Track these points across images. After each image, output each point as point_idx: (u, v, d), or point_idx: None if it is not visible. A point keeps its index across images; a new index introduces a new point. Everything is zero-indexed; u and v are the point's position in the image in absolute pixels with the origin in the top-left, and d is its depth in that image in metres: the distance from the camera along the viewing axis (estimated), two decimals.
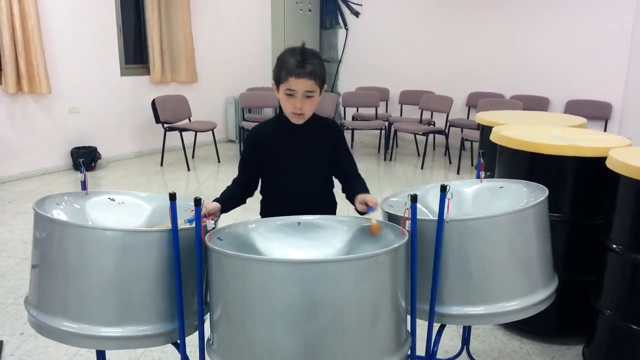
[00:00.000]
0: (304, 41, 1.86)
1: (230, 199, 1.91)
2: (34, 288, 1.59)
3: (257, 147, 1.94)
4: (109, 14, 6.18)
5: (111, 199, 1.93)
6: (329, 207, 2.05)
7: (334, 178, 2.05)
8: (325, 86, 1.92)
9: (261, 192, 2.03)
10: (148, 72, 6.68)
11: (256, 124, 2.10)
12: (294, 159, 1.91)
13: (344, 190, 1.97)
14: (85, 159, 5.74)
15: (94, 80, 6.12)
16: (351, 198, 1.88)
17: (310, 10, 8.42)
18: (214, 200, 1.83)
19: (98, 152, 6.12)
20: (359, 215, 1.80)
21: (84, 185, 1.88)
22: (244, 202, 1.98)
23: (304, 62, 1.74)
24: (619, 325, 2.21)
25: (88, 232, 1.52)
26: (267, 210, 2.01)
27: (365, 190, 1.87)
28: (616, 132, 6.10)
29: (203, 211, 1.52)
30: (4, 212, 4.56)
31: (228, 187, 1.96)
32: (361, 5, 8.25)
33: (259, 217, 2.02)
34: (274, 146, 1.92)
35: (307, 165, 1.92)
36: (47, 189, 5.24)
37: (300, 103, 1.78)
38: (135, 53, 6.69)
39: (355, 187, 1.89)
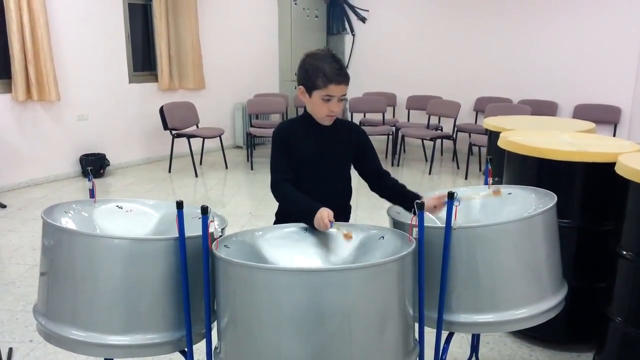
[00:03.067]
0: (329, 47, 1.91)
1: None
2: (42, 296, 1.60)
3: (286, 141, 1.94)
4: (117, 22, 6.23)
5: (119, 207, 1.94)
6: (345, 212, 2.06)
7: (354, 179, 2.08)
8: None
9: None
10: (156, 79, 6.72)
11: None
12: (320, 158, 1.94)
13: (373, 187, 2.02)
14: (93, 165, 5.85)
15: (103, 87, 6.16)
16: (389, 194, 1.98)
17: (317, 17, 8.44)
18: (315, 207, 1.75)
19: (107, 158, 6.15)
20: (368, 224, 1.79)
21: (92, 194, 1.89)
22: None
23: (342, 69, 1.83)
24: (630, 332, 2.18)
25: (96, 240, 1.52)
26: (286, 209, 1.99)
27: (403, 185, 1.98)
28: (625, 136, 6.06)
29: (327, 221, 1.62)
30: (14, 219, 4.60)
31: (294, 191, 1.87)
32: (368, 11, 8.27)
33: (273, 217, 2.03)
34: (301, 143, 1.93)
35: (333, 164, 1.96)
36: (56, 195, 5.27)
37: (336, 107, 1.86)
38: (143, 60, 6.73)
39: (395, 184, 2.00)
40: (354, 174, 2.04)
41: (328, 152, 1.94)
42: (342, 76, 1.81)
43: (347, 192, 2.07)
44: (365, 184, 2.03)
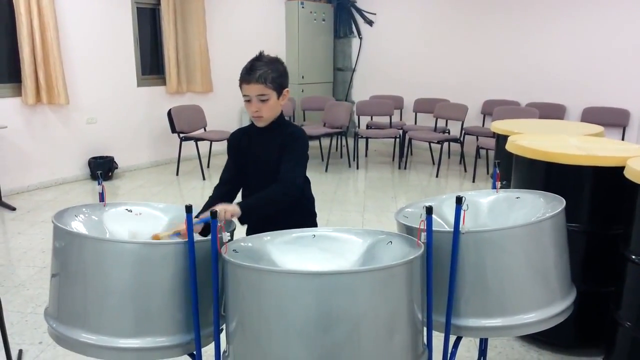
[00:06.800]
0: (261, 50, 1.96)
1: (219, 200, 1.92)
2: (53, 299, 1.62)
3: (233, 147, 2.07)
4: (126, 26, 6.27)
5: (128, 210, 1.95)
6: (300, 217, 1.97)
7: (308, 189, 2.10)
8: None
9: None
10: (164, 83, 6.76)
11: (237, 129, 2.21)
12: (258, 162, 2.00)
13: None
14: (102, 168, 5.89)
15: (111, 91, 6.21)
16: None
17: (324, 20, 8.46)
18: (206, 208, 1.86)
19: (115, 161, 6.19)
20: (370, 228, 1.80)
21: (101, 197, 1.91)
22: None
23: (251, 69, 1.88)
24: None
25: (106, 244, 1.54)
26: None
27: (245, 202, 1.84)
28: (634, 139, 6.03)
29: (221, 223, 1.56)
30: (23, 221, 4.63)
31: (213, 194, 2.04)
32: (375, 14, 8.28)
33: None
34: (246, 149, 2.03)
35: (270, 169, 1.95)
36: (65, 198, 5.31)
37: (256, 107, 1.90)
38: (151, 64, 6.78)
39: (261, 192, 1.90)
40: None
41: (265, 156, 1.98)
42: (249, 75, 1.86)
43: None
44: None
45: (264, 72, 1.87)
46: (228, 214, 1.71)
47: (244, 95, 1.92)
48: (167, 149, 6.77)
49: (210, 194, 2.04)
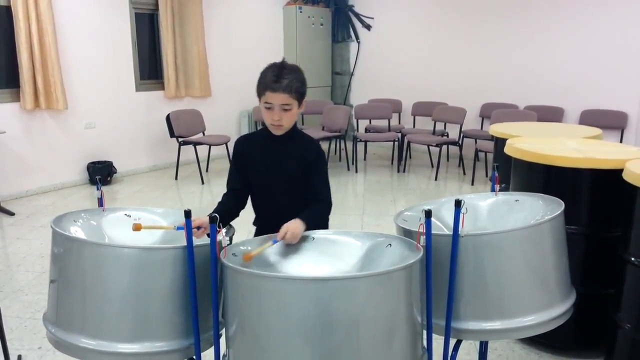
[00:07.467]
0: (284, 57, 1.93)
1: (225, 211, 1.93)
2: (52, 305, 1.61)
3: (241, 157, 2.02)
4: (124, 31, 6.28)
5: (127, 215, 1.95)
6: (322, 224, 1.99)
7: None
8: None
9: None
10: (163, 87, 6.76)
11: (243, 135, 2.17)
12: (270, 172, 1.97)
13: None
14: (101, 173, 5.89)
15: (110, 95, 6.21)
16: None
17: (322, 24, 8.48)
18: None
19: (114, 166, 6.19)
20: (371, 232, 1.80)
21: (100, 202, 1.91)
22: (237, 215, 2.00)
23: (279, 77, 1.83)
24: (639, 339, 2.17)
25: (105, 249, 1.54)
26: (258, 219, 2.08)
27: (305, 217, 1.79)
28: (632, 142, 6.04)
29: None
30: (22, 226, 4.63)
31: (221, 201, 2.01)
32: (372, 18, 8.30)
33: (253, 226, 2.06)
34: (255, 157, 1.99)
35: (283, 180, 1.96)
36: (64, 203, 5.31)
37: (277, 115, 1.86)
38: (150, 68, 6.78)
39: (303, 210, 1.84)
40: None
41: (278, 166, 1.96)
42: (277, 84, 1.82)
43: (308, 202, 1.97)
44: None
45: (290, 81, 1.84)
46: (298, 237, 1.70)
47: (265, 103, 1.87)
48: (165, 154, 6.77)
49: (219, 200, 2.01)
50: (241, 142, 2.06)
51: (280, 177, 1.96)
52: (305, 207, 1.88)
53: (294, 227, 1.70)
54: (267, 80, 1.84)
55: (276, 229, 1.72)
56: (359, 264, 1.66)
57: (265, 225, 1.94)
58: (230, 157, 6.66)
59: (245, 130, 7.73)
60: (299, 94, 1.87)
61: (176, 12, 6.63)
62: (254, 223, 2.09)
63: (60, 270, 1.58)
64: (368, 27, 8.37)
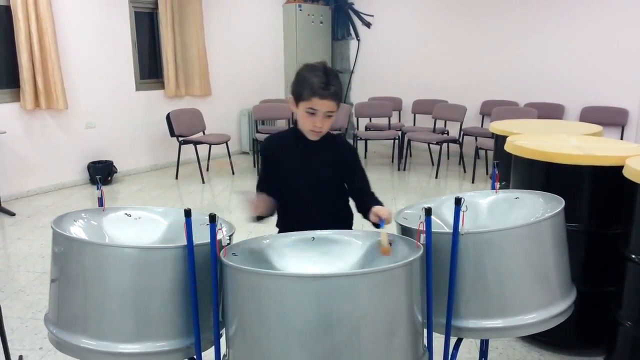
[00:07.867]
0: (324, 60, 1.89)
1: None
2: (53, 305, 1.61)
3: (272, 157, 1.97)
4: (124, 30, 6.28)
5: (128, 215, 1.95)
6: (344, 221, 2.04)
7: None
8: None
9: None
10: (163, 87, 6.76)
11: (268, 135, 2.12)
12: (303, 173, 1.93)
13: (358, 209, 1.97)
14: (101, 173, 5.89)
15: (110, 95, 6.21)
16: (366, 213, 1.88)
17: (322, 22, 8.47)
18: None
19: (114, 166, 6.19)
20: (374, 229, 1.80)
21: (100, 202, 1.90)
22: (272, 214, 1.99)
23: (328, 84, 1.76)
24: None
25: (105, 249, 1.53)
26: (283, 222, 2.02)
27: (379, 204, 1.86)
28: (633, 138, 6.03)
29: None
30: (22, 226, 4.63)
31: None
32: (372, 16, 8.29)
33: (275, 228, 2.04)
34: (288, 158, 1.94)
35: (316, 181, 1.94)
36: (64, 203, 5.31)
37: (320, 122, 1.82)
38: (150, 68, 6.78)
39: (369, 203, 1.87)
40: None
41: (311, 168, 1.92)
42: (327, 91, 1.75)
43: (342, 202, 2.00)
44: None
45: (337, 88, 1.79)
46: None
47: (309, 108, 1.79)
48: (166, 153, 6.76)
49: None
50: (271, 143, 2.01)
51: (313, 181, 1.93)
52: (332, 206, 1.93)
53: (387, 209, 1.75)
54: (315, 86, 1.76)
55: (301, 229, 1.73)
56: (359, 264, 1.66)
57: (288, 226, 1.89)
58: (231, 156, 6.69)
59: (245, 130, 7.73)
60: (341, 100, 1.84)
61: (176, 10, 6.63)
62: (277, 225, 2.04)
63: (60, 271, 1.58)
64: (368, 24, 8.35)
